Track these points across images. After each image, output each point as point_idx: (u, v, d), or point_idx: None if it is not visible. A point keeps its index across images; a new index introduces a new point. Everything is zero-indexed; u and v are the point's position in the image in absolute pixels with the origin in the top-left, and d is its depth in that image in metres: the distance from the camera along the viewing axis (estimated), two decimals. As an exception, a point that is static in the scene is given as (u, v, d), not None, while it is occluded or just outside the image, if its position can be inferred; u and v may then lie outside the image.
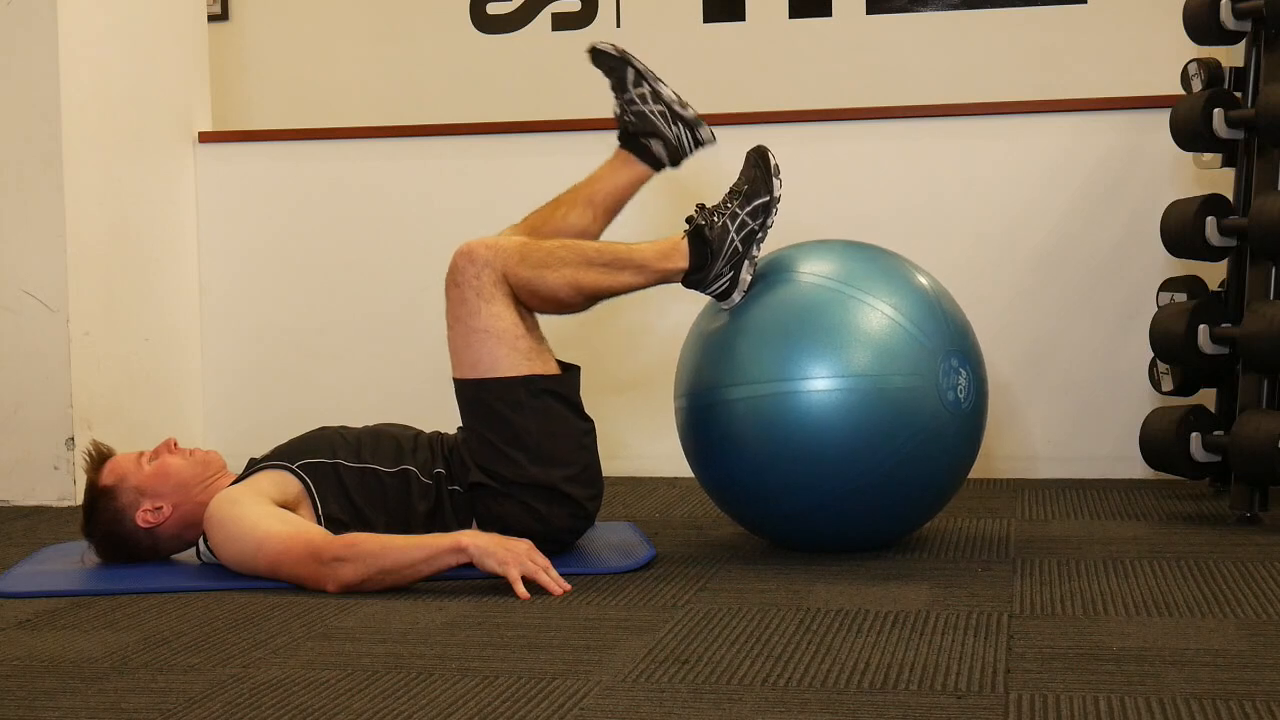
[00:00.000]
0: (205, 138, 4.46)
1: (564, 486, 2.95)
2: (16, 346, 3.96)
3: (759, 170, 3.02)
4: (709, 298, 3.06)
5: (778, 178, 3.02)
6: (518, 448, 2.94)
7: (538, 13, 5.10)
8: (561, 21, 5.08)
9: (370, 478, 2.97)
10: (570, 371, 3.03)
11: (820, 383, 2.89)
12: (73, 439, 3.89)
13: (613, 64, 3.24)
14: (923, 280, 3.06)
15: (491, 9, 5.15)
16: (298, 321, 4.47)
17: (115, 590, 2.83)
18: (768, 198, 3.00)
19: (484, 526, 2.95)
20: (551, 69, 5.01)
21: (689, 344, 3.14)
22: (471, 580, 2.77)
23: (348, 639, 2.42)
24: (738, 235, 2.98)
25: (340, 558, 2.72)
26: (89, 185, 4.02)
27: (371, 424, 3.14)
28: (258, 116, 5.28)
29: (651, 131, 3.23)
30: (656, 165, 3.26)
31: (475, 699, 2.07)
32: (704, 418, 3.03)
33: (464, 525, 2.97)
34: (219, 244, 4.48)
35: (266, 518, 2.82)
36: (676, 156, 3.25)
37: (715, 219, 2.99)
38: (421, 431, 3.11)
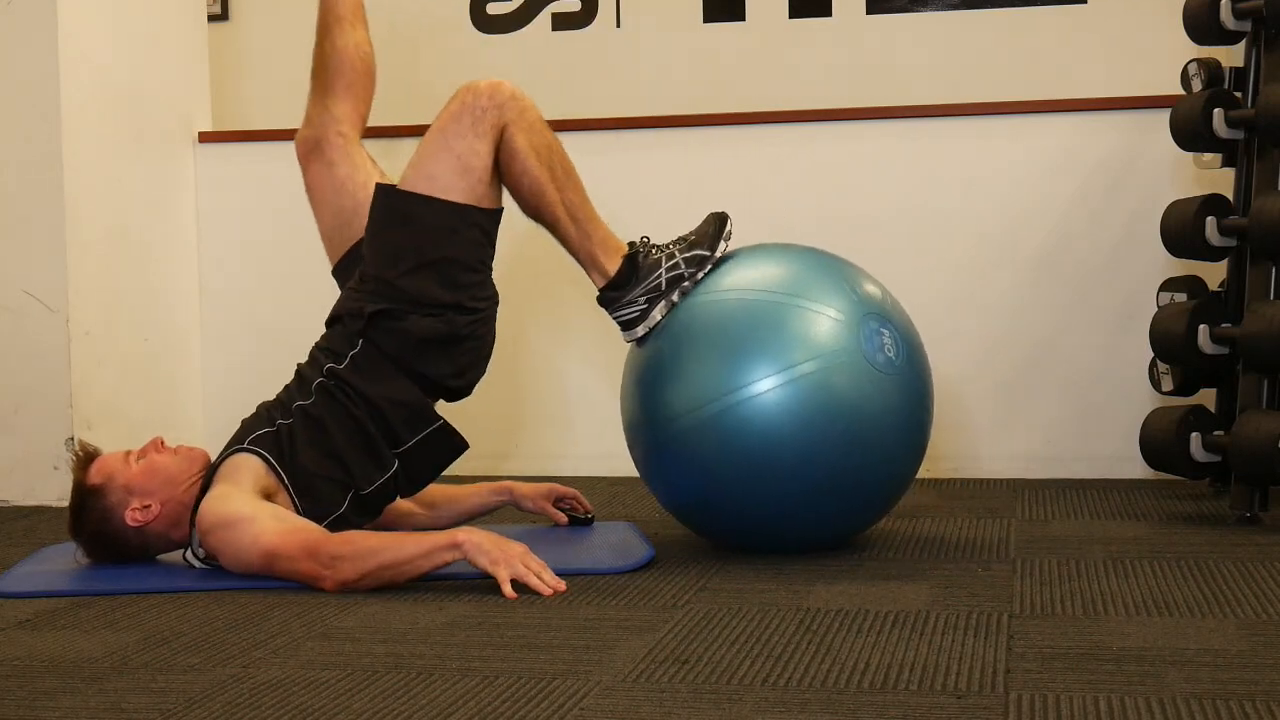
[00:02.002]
0: (205, 138, 4.46)
1: (466, 302, 3.02)
2: (16, 346, 3.96)
3: (713, 229, 3.07)
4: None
5: (725, 242, 3.06)
6: (432, 270, 2.98)
7: (538, 13, 5.10)
8: (561, 21, 5.08)
9: (302, 416, 3.01)
10: (500, 210, 3.08)
11: (753, 388, 2.89)
12: (73, 439, 3.88)
13: None
14: (821, 259, 3.07)
15: (491, 9, 5.15)
16: (298, 321, 4.45)
17: (115, 590, 2.83)
18: (708, 253, 3.04)
19: (397, 360, 2.99)
20: (551, 69, 5.01)
21: (624, 387, 3.15)
22: (471, 580, 2.77)
23: (348, 639, 2.42)
24: (666, 274, 3.02)
25: (338, 555, 2.73)
26: (89, 185, 4.02)
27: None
28: (258, 116, 5.27)
29: None
30: None
31: (475, 699, 2.07)
32: (655, 454, 3.05)
33: (384, 381, 2.99)
34: (219, 244, 4.48)
35: (261, 517, 2.83)
36: None
37: (653, 252, 3.05)
38: (300, 363, 3.16)
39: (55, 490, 3.91)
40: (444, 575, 2.76)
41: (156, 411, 4.24)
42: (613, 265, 3.04)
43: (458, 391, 3.13)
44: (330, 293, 4.43)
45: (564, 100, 4.75)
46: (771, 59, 5.01)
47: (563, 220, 3.04)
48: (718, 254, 3.04)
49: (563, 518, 3.37)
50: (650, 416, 3.02)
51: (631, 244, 3.07)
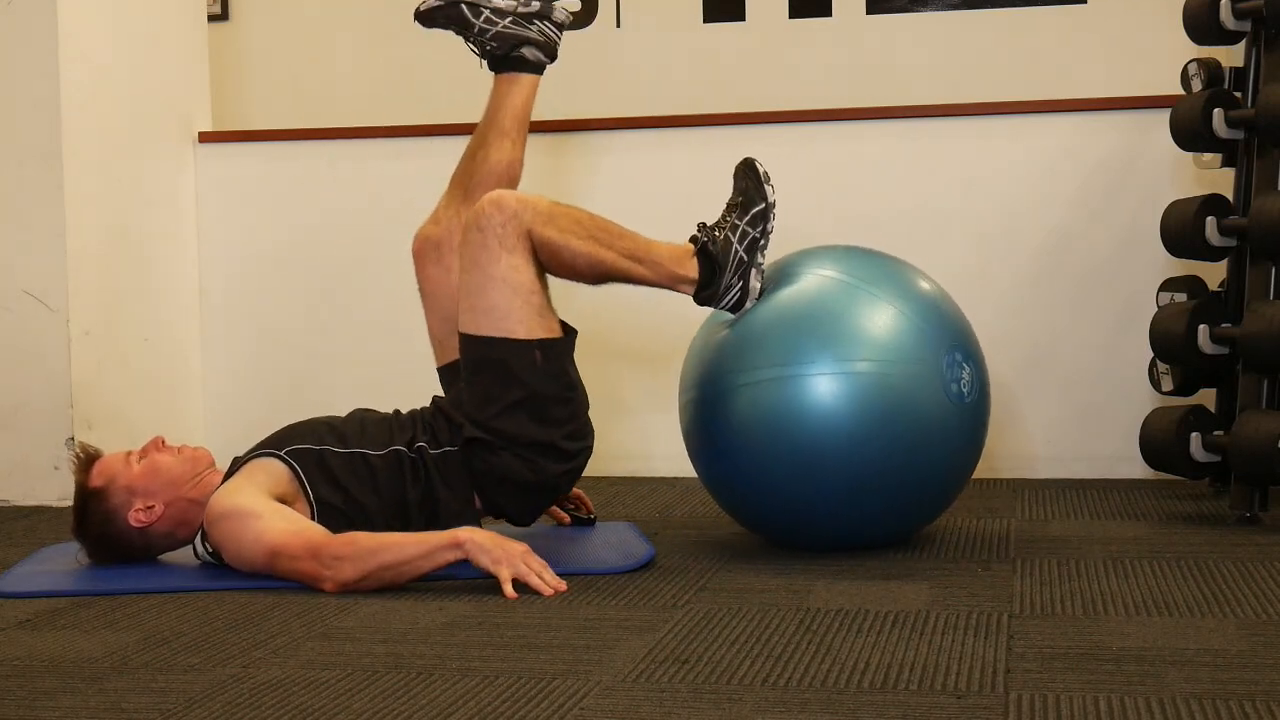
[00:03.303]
0: (205, 138, 4.46)
1: (561, 443, 3.00)
2: (16, 346, 3.96)
3: (749, 180, 3.06)
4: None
5: (769, 184, 3.05)
6: (523, 409, 2.97)
7: (538, 13, 5.10)
8: (561, 21, 5.08)
9: (358, 461, 2.99)
10: (570, 333, 3.07)
11: (824, 368, 2.91)
12: (73, 439, 3.88)
13: (447, 14, 3.30)
14: (925, 282, 3.10)
15: (491, 9, 5.15)
16: (298, 321, 4.47)
17: (115, 590, 2.83)
18: (763, 204, 3.03)
19: (479, 481, 2.99)
20: (551, 69, 5.00)
21: (696, 341, 3.15)
22: (472, 580, 2.77)
23: (348, 639, 2.42)
24: (740, 245, 3.00)
25: (339, 556, 2.73)
26: (89, 185, 4.02)
27: (353, 411, 3.15)
28: (258, 116, 5.27)
29: (517, 42, 3.29)
30: (539, 68, 3.35)
31: (475, 699, 2.07)
32: (708, 408, 3.04)
33: (456, 489, 2.99)
34: (219, 244, 4.48)
35: (267, 514, 2.83)
36: (550, 49, 3.34)
37: (717, 234, 3.02)
38: (399, 411, 3.14)
39: (55, 490, 3.91)
40: (444, 575, 2.76)
41: (156, 411, 4.24)
42: (692, 270, 3.01)
43: (521, 521, 3.14)
44: (329, 293, 4.45)
45: (564, 100, 4.75)
46: (771, 59, 5.01)
47: (631, 269, 3.01)
48: (771, 198, 3.03)
49: (565, 517, 3.37)
50: (712, 374, 3.02)
51: (694, 237, 3.04)
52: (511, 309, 2.96)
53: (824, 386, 2.90)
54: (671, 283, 3.03)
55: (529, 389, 2.97)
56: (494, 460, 2.98)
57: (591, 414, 3.09)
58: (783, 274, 3.06)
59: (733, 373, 2.98)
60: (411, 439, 3.02)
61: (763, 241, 3.02)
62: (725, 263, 2.99)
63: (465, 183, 3.33)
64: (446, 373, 3.26)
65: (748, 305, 3.03)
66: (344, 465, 2.97)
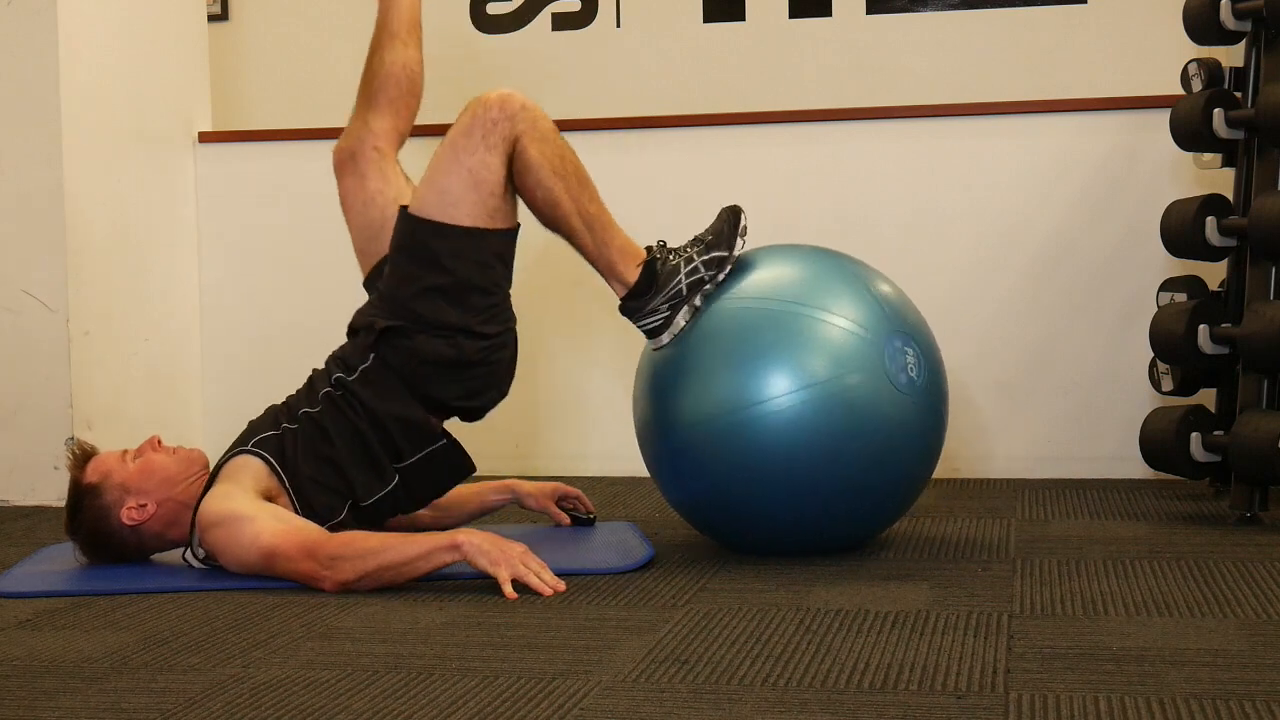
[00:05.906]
0: (205, 138, 4.46)
1: (476, 327, 2.99)
2: (16, 346, 3.97)
3: (728, 226, 3.02)
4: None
5: (743, 238, 3.01)
6: (441, 294, 2.96)
7: (538, 13, 5.10)
8: (561, 21, 5.08)
9: (307, 423, 3.00)
10: (516, 228, 3.05)
11: (771, 402, 2.87)
12: (72, 439, 3.88)
13: None
14: (848, 269, 3.04)
15: (491, 9, 5.15)
16: (298, 321, 4.47)
17: (115, 590, 2.83)
18: (726, 254, 2.99)
19: (405, 378, 2.98)
20: (551, 69, 5.01)
21: (638, 387, 3.12)
22: (471, 580, 2.77)
23: (348, 639, 2.42)
24: (686, 279, 2.97)
25: (337, 556, 2.73)
26: (89, 185, 4.02)
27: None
28: (258, 116, 5.27)
29: None
30: None
31: (475, 699, 2.07)
32: (670, 457, 3.03)
33: (391, 398, 2.98)
34: (219, 244, 4.48)
35: (260, 516, 2.83)
36: None
37: (671, 257, 3.00)
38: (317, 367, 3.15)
39: (55, 490, 3.91)
40: (444, 575, 2.76)
41: (156, 411, 4.24)
42: (632, 274, 2.99)
43: (469, 413, 3.12)
44: (329, 293, 4.44)
45: (564, 100, 4.75)
46: (771, 59, 5.01)
47: (579, 231, 2.99)
48: (736, 253, 2.99)
49: (565, 518, 3.36)
50: (664, 421, 3.00)
51: (649, 249, 3.02)
52: (463, 199, 2.94)
53: (777, 417, 2.86)
54: (607, 270, 3.02)
55: (452, 275, 2.95)
56: (410, 346, 2.97)
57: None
58: (709, 308, 2.98)
59: (685, 425, 2.94)
60: (329, 378, 3.04)
61: (708, 285, 2.98)
62: (663, 286, 2.97)
63: (367, 90, 3.36)
64: (370, 285, 3.26)
65: (664, 338, 2.99)
66: (301, 436, 2.99)
